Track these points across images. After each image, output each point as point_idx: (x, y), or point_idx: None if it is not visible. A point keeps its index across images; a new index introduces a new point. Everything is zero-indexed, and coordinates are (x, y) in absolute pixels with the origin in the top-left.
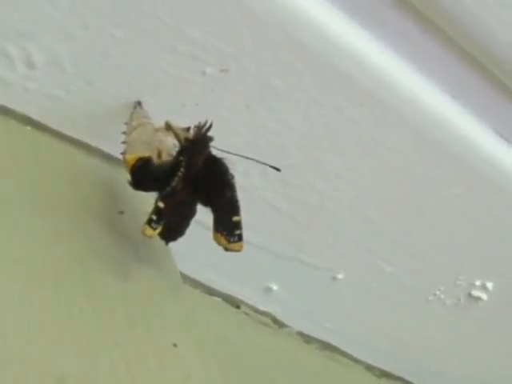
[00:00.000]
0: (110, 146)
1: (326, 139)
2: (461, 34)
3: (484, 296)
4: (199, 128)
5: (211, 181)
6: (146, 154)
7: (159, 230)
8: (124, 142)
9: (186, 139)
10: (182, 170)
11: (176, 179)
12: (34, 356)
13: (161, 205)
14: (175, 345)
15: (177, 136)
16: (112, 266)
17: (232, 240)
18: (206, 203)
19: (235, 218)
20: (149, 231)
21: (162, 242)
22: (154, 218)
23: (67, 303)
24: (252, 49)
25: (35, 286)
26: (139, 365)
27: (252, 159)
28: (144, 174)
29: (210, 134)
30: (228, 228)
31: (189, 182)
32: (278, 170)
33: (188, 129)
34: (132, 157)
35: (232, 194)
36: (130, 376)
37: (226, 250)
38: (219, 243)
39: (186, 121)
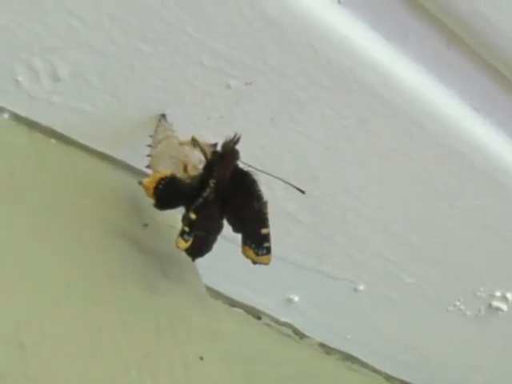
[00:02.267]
0: (135, 159)
1: (349, 152)
2: (484, 46)
3: (504, 307)
4: (228, 141)
5: (239, 192)
6: (166, 172)
7: (191, 242)
8: (149, 155)
9: (214, 153)
10: (213, 180)
11: (208, 190)
12: (65, 370)
13: (193, 216)
14: (202, 358)
15: (203, 151)
16: (138, 279)
17: (260, 253)
18: (233, 217)
19: (264, 231)
20: (182, 244)
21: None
22: (187, 229)
23: (95, 317)
24: (277, 62)
25: (63, 301)
26: (167, 378)
27: (277, 178)
28: (169, 193)
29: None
30: (256, 240)
31: (217, 195)
32: (302, 192)
33: (215, 145)
34: (151, 180)
35: (260, 205)
36: None
37: (254, 262)
38: (247, 256)
39: (211, 134)
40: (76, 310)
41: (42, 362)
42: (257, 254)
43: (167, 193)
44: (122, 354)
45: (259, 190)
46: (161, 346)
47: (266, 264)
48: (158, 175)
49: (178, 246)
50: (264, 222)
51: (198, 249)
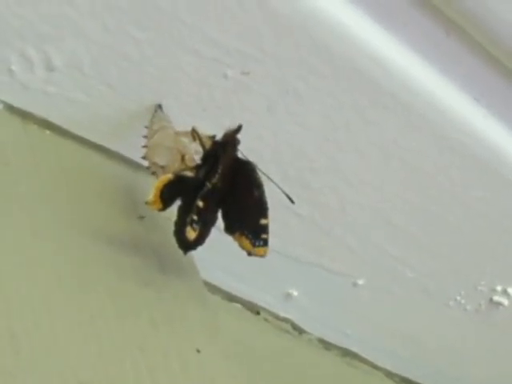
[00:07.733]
0: (131, 150)
1: (348, 142)
2: (484, 35)
3: (505, 301)
4: (230, 131)
5: (239, 181)
6: (167, 176)
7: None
8: (145, 146)
9: (214, 143)
10: (220, 167)
11: (217, 176)
12: (58, 361)
13: (200, 204)
14: (198, 350)
15: (202, 143)
16: (133, 272)
17: (257, 244)
18: (232, 207)
19: (263, 221)
20: (191, 233)
21: None
22: (195, 218)
23: (90, 308)
24: (274, 51)
25: (58, 292)
26: (163, 370)
27: (272, 180)
28: (173, 193)
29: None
30: (254, 231)
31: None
32: (292, 202)
33: (213, 136)
34: (155, 193)
35: (260, 194)
36: (154, 381)
37: (250, 254)
38: (243, 247)
39: (208, 124)
40: (70, 302)
41: (34, 354)
42: (253, 245)
43: (172, 194)
44: (116, 346)
45: (259, 178)
46: (156, 338)
47: (262, 256)
48: (160, 184)
49: (187, 236)
50: (264, 212)
51: (193, 241)
